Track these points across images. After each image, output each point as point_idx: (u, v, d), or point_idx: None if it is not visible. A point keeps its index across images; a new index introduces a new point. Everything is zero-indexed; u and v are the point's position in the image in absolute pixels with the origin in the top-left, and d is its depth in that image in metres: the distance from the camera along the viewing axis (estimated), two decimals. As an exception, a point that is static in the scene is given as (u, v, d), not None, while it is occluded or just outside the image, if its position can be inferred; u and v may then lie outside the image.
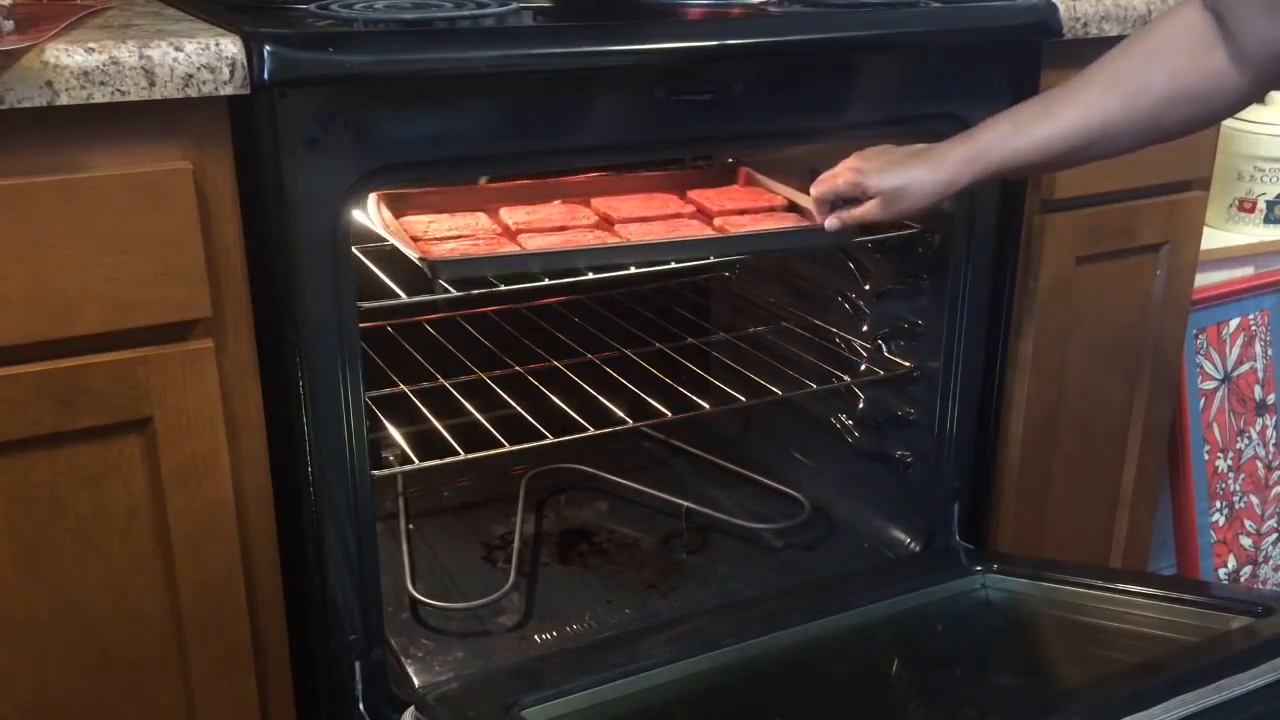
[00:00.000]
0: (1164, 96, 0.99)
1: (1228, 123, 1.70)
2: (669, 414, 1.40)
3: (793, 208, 1.34)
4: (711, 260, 1.30)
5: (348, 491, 1.06)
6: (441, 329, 1.54)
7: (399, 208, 1.28)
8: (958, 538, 1.41)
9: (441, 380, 1.44)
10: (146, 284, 0.92)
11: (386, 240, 1.22)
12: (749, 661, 1.18)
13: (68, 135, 0.88)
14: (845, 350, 1.52)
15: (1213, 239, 1.65)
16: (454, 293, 1.17)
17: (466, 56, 0.99)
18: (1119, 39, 1.26)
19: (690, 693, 1.15)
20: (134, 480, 0.97)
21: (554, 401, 1.40)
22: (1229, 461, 1.73)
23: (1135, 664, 1.16)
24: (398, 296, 1.18)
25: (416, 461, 1.25)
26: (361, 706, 1.11)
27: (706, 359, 1.65)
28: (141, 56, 0.87)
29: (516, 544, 1.45)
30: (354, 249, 1.06)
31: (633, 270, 1.26)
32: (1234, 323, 1.70)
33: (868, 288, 1.49)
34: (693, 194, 1.38)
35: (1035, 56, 1.24)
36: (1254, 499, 1.77)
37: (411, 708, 1.09)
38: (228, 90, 0.90)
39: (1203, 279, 1.56)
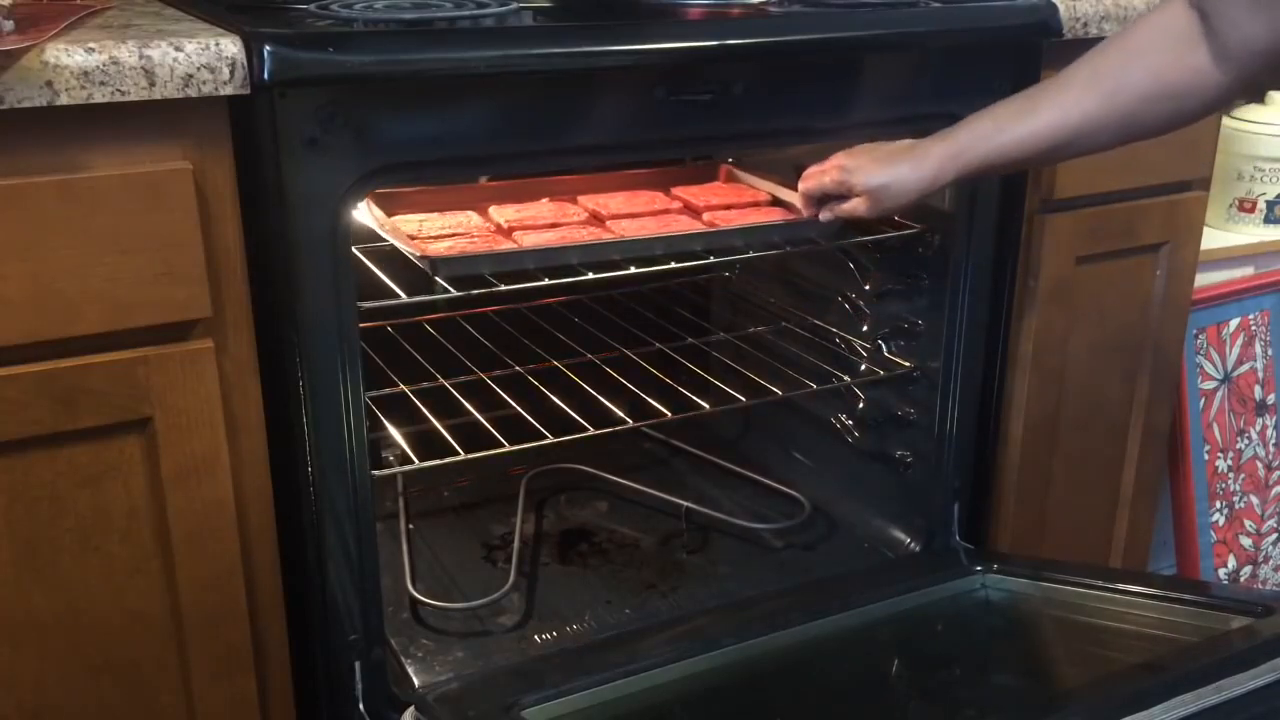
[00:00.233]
0: (1143, 94, 1.00)
1: (1228, 122, 1.70)
2: (669, 414, 1.40)
3: (776, 202, 1.34)
4: (711, 260, 1.30)
5: (348, 491, 1.06)
6: (441, 329, 1.54)
7: (388, 207, 1.29)
8: (958, 538, 1.41)
9: (441, 380, 1.44)
10: (146, 284, 0.92)
11: (386, 240, 1.22)
12: (749, 661, 1.18)
13: (68, 135, 0.88)
14: (845, 350, 1.52)
15: (1213, 239, 1.65)
16: (454, 293, 1.17)
17: (466, 56, 0.99)
18: (1119, 39, 1.26)
19: (690, 693, 1.15)
20: (134, 480, 0.97)
21: (554, 401, 1.40)
22: (1229, 461, 1.73)
23: (1135, 664, 1.16)
24: (398, 296, 1.18)
25: (416, 461, 1.25)
26: (361, 706, 1.11)
27: (706, 359, 1.65)
28: (141, 56, 0.87)
29: (516, 544, 1.45)
30: (354, 249, 1.06)
31: (632, 270, 1.26)
32: (1234, 323, 1.70)
33: (868, 288, 1.49)
34: (677, 190, 1.39)
35: (1035, 56, 1.24)
36: (1254, 499, 1.77)
37: (411, 708, 1.09)
38: (228, 90, 0.90)
39: (1203, 279, 1.56)
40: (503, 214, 1.29)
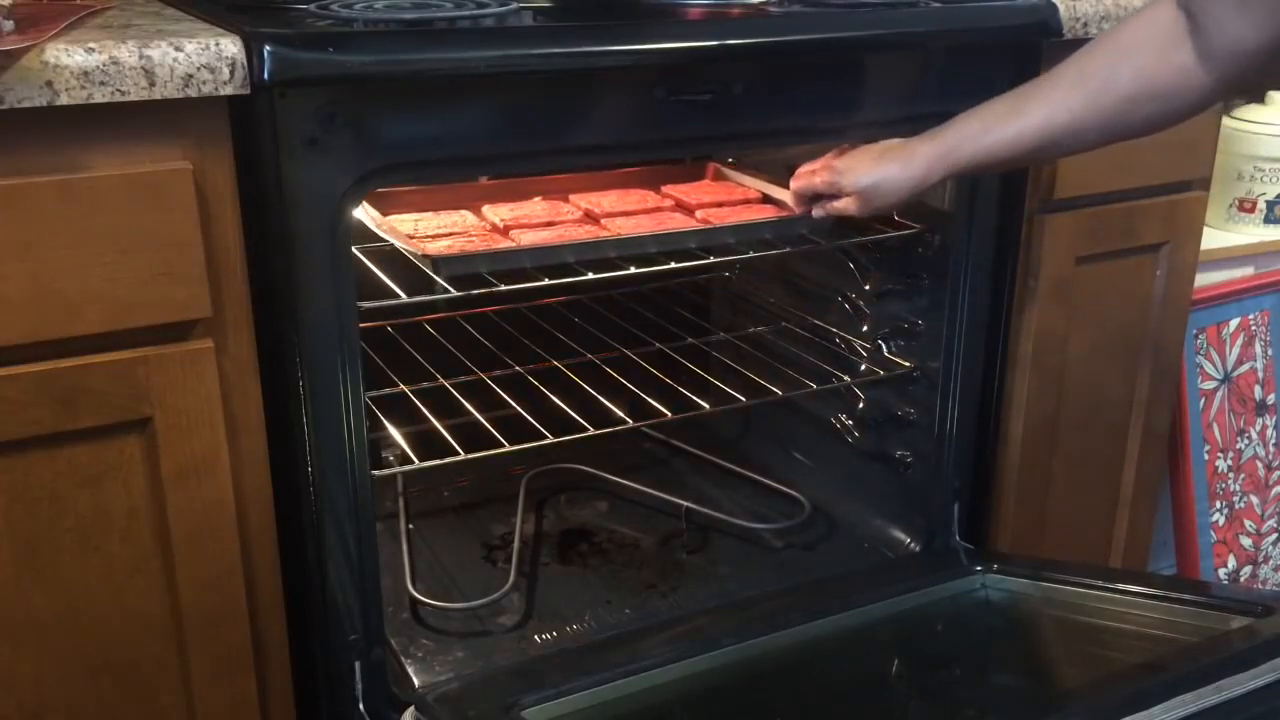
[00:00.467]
0: (1129, 94, 1.00)
1: (1227, 122, 1.70)
2: (669, 414, 1.40)
3: (767, 200, 1.34)
4: (711, 260, 1.30)
5: (348, 491, 1.06)
6: (441, 329, 1.54)
7: (381, 206, 1.29)
8: (958, 538, 1.41)
9: (441, 380, 1.44)
10: (146, 284, 0.92)
11: (385, 240, 1.22)
12: (749, 661, 1.18)
13: (68, 135, 0.88)
14: (845, 350, 1.52)
15: (1213, 239, 1.65)
16: (454, 293, 1.17)
17: (466, 56, 0.99)
18: (1119, 39, 1.26)
19: (690, 692, 1.15)
20: (134, 480, 0.97)
21: (554, 401, 1.40)
22: (1229, 461, 1.73)
23: (1135, 664, 1.16)
24: (398, 296, 1.18)
25: (416, 461, 1.25)
26: (361, 706, 1.11)
27: (706, 359, 1.65)
28: (141, 56, 0.87)
29: (516, 544, 1.45)
30: (354, 249, 1.06)
31: (632, 270, 1.26)
32: (1234, 323, 1.70)
33: (868, 288, 1.49)
34: (667, 189, 1.39)
35: (1035, 56, 1.24)
36: (1254, 499, 1.77)
37: (411, 708, 1.09)
38: (228, 90, 0.90)
39: (1203, 279, 1.56)
40: (497, 213, 1.29)
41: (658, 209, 1.33)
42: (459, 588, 1.37)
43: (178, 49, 0.88)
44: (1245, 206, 1.76)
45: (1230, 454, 1.73)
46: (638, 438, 1.68)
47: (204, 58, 0.89)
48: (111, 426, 0.94)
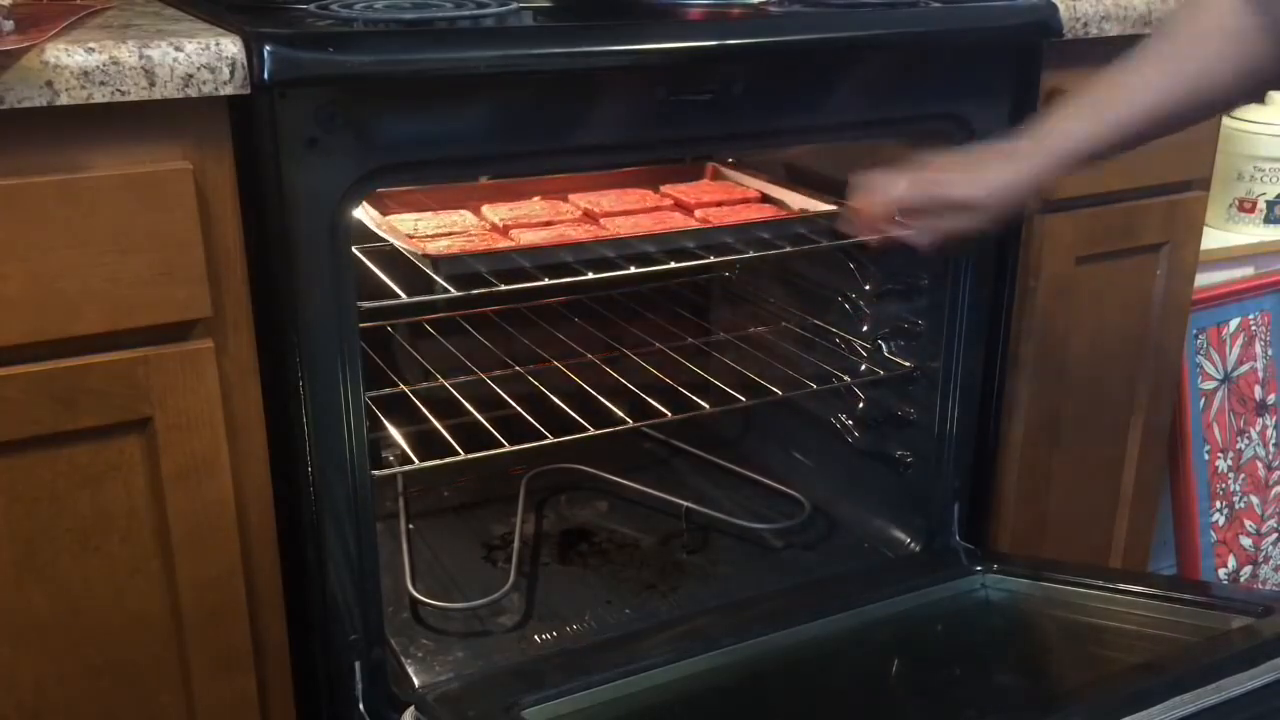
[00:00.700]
0: (1210, 73, 0.99)
1: (1227, 122, 1.70)
2: (669, 414, 1.40)
3: (766, 199, 1.34)
4: (711, 260, 1.30)
5: (348, 491, 1.06)
6: (441, 329, 1.54)
7: (380, 206, 1.29)
8: (958, 538, 1.41)
9: (441, 380, 1.44)
10: (146, 284, 0.92)
11: (385, 240, 1.22)
12: (749, 661, 1.18)
13: (68, 135, 0.88)
14: (845, 350, 1.52)
15: (1213, 239, 1.65)
16: (454, 292, 1.17)
17: (466, 56, 0.99)
18: (1119, 39, 1.26)
19: (690, 692, 1.15)
20: (134, 480, 0.97)
21: (554, 401, 1.40)
22: (1229, 462, 1.73)
23: (1135, 664, 1.16)
24: (398, 296, 1.18)
25: (416, 461, 1.25)
26: (361, 706, 1.11)
27: (706, 359, 1.65)
28: (142, 56, 0.87)
29: (516, 544, 1.45)
30: (354, 249, 1.06)
31: (632, 270, 1.26)
32: (1234, 323, 1.70)
33: (868, 288, 1.49)
34: (666, 189, 1.39)
35: (1036, 56, 1.24)
36: (1254, 499, 1.77)
37: (411, 708, 1.09)
38: (228, 90, 0.90)
39: (1203, 279, 1.56)
40: (497, 213, 1.29)
41: (658, 209, 1.33)
42: (459, 588, 1.37)
43: (178, 49, 0.88)
44: (1245, 207, 1.76)
45: (1231, 454, 1.73)
46: (638, 438, 1.68)
47: (204, 58, 0.89)
48: (111, 426, 0.94)
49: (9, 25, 0.87)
